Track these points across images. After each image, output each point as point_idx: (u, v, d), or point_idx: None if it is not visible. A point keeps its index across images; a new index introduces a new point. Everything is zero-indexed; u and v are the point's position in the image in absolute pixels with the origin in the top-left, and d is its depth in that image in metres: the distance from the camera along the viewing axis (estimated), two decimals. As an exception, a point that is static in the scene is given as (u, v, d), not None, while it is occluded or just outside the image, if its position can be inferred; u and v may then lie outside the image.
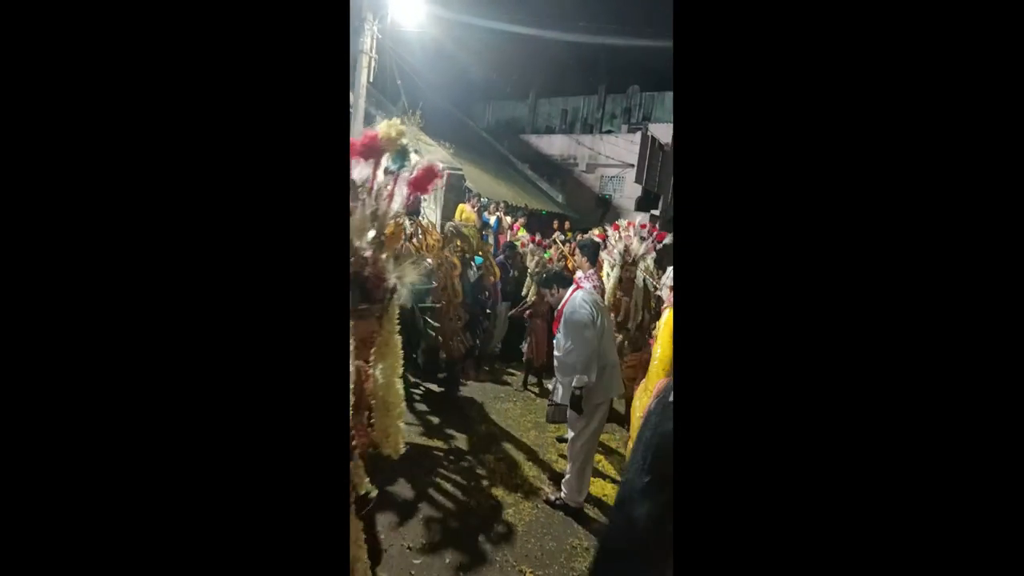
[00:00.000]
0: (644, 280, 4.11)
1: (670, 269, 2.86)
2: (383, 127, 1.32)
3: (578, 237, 6.63)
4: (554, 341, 3.19)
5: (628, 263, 4.17)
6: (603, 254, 4.40)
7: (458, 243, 4.68)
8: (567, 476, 3.07)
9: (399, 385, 1.41)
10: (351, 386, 1.22)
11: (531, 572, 2.48)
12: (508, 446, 3.85)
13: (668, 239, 4.40)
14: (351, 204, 1.28)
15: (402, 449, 1.44)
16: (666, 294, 2.74)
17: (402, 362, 1.44)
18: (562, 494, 3.08)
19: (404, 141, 1.35)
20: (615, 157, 15.49)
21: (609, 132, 16.56)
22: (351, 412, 1.29)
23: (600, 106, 17.29)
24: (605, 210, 15.20)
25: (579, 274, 3.93)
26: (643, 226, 4.35)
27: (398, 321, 1.41)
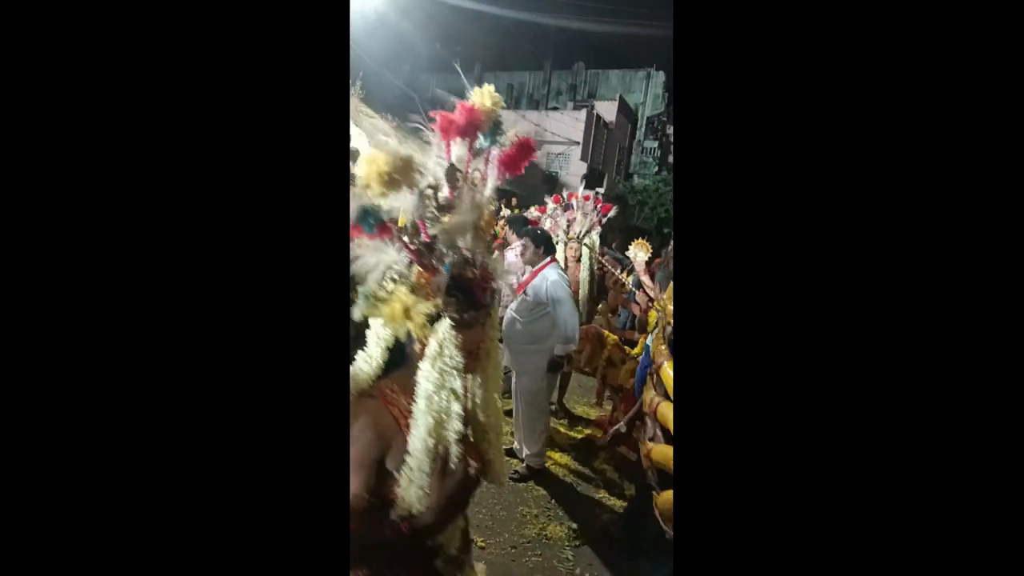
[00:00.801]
0: (589, 257, 4.13)
1: (670, 287, 2.83)
2: (478, 96, 1.10)
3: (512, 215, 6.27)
4: (527, 308, 3.11)
5: (572, 239, 4.14)
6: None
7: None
8: (524, 439, 3.15)
9: (499, 403, 1.25)
10: (461, 410, 1.06)
11: (482, 541, 2.54)
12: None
13: (612, 211, 4.38)
14: (450, 194, 1.09)
15: (506, 481, 1.25)
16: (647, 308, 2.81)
17: (501, 375, 1.26)
18: (523, 460, 3.16)
19: (500, 111, 1.11)
20: (561, 134, 15.51)
21: (555, 109, 16.55)
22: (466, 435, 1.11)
23: (545, 82, 17.22)
24: (552, 187, 15.27)
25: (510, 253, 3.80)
26: (586, 198, 4.25)
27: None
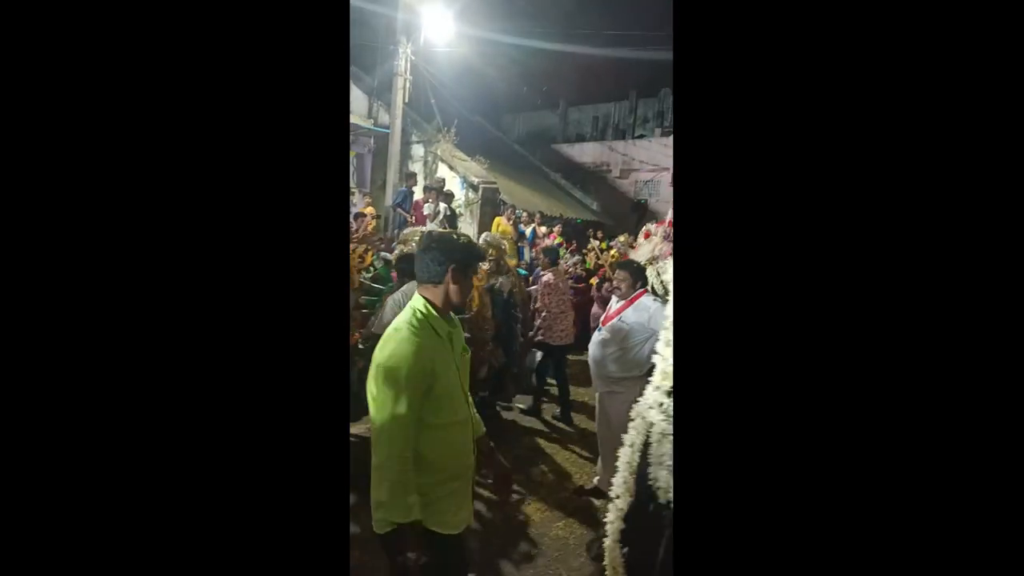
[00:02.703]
0: (652, 283, 3.98)
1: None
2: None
3: (612, 251, 6.14)
4: (622, 338, 3.10)
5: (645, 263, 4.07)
6: (632, 254, 4.34)
7: (492, 252, 4.71)
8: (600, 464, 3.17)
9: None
10: None
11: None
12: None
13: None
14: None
15: None
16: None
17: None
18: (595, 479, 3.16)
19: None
20: (649, 161, 15.36)
21: (642, 136, 16.44)
22: None
23: (632, 111, 17.19)
24: (641, 214, 15.06)
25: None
26: (670, 224, 4.25)
27: None
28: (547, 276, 4.77)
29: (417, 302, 1.46)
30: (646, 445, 1.17)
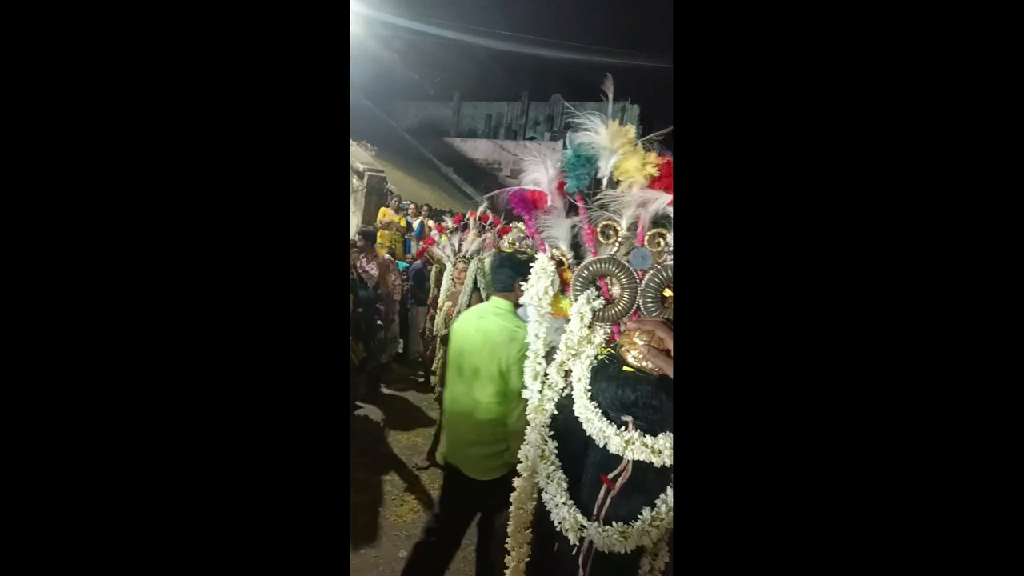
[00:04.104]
0: (475, 277, 3.74)
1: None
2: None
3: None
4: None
5: (460, 258, 3.86)
6: (436, 250, 4.06)
7: (386, 237, 4.40)
8: None
9: None
10: None
11: None
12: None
13: (512, 234, 4.03)
14: None
15: None
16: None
17: None
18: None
19: None
20: (538, 163, 15.76)
21: (533, 139, 16.83)
22: None
23: (523, 112, 17.51)
24: (528, 215, 15.37)
25: None
26: (483, 218, 4.00)
27: None
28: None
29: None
30: (539, 492, 1.13)
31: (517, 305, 1.92)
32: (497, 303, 1.94)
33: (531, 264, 1.16)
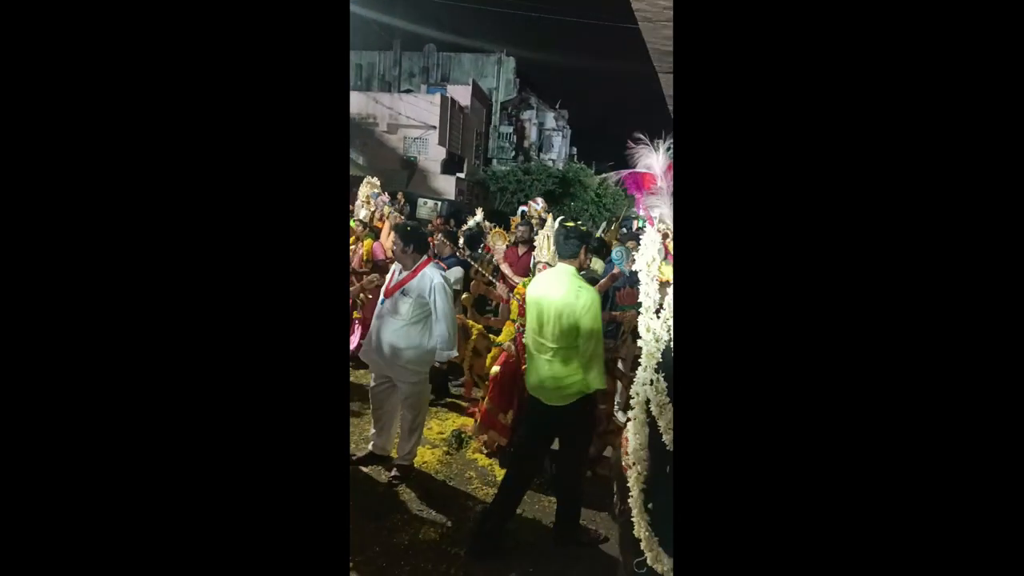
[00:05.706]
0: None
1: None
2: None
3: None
4: (408, 310, 2.89)
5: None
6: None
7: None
8: (402, 441, 3.01)
9: None
10: None
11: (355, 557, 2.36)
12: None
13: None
14: None
15: None
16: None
17: None
18: (393, 464, 2.99)
19: None
20: (416, 118, 15.18)
21: (408, 91, 16.14)
22: None
23: (396, 63, 16.68)
24: (412, 172, 14.90)
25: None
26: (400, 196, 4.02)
27: None
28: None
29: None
30: (650, 419, 1.31)
31: (580, 269, 2.42)
32: (565, 268, 2.39)
33: (591, 235, 1.54)
